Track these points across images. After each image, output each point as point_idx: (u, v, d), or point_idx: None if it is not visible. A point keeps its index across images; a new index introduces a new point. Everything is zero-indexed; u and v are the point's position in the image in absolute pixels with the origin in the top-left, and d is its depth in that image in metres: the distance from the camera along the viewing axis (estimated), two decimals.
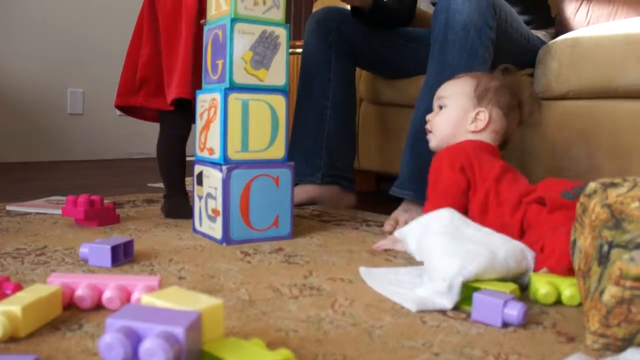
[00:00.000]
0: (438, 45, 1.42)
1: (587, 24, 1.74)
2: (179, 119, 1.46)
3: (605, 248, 0.70)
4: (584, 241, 0.78)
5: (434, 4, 1.84)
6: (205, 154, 1.28)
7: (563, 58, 1.51)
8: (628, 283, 0.65)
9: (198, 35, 1.39)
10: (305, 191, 1.71)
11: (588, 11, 1.75)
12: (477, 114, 1.22)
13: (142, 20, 1.48)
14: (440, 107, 1.27)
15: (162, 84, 1.46)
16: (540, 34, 1.73)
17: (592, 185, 0.77)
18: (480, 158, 1.15)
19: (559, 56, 1.52)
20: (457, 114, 1.23)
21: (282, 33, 1.25)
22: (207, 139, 1.27)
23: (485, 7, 1.38)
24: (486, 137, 1.22)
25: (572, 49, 1.50)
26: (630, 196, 0.72)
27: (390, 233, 1.28)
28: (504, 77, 1.25)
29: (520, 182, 1.13)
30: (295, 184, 1.58)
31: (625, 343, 0.68)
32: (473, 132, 1.22)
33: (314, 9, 2.05)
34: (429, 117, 1.29)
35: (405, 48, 1.77)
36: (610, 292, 0.66)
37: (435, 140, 1.27)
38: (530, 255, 0.90)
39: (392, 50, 1.78)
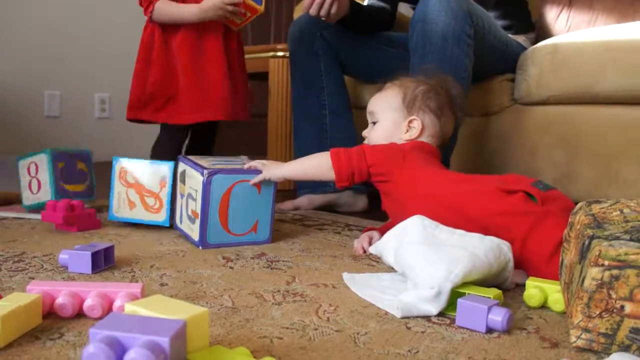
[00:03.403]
0: (418, 56, 1.42)
1: (568, 30, 1.76)
2: (184, 127, 1.64)
3: (587, 242, 0.72)
4: (570, 254, 0.79)
5: (414, 8, 1.85)
6: None
7: (544, 64, 1.53)
8: (606, 262, 0.67)
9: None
10: (323, 196, 1.72)
11: (568, 17, 1.77)
12: (410, 122, 1.22)
13: (151, 43, 1.61)
14: (374, 123, 1.28)
15: (169, 101, 1.62)
16: (520, 39, 1.74)
17: (578, 205, 0.82)
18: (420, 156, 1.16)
19: (540, 62, 1.54)
20: (390, 127, 1.25)
21: None
22: None
23: (462, 15, 1.39)
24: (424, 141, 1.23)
25: (552, 55, 1.52)
26: (612, 208, 0.77)
27: None
28: (429, 80, 1.26)
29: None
30: (309, 193, 1.68)
31: (608, 340, 0.68)
32: (409, 140, 1.23)
33: (295, 15, 2.04)
34: (364, 133, 1.30)
35: (387, 53, 1.77)
36: (591, 275, 0.68)
37: None
38: (506, 246, 0.90)
39: (376, 55, 1.78)
